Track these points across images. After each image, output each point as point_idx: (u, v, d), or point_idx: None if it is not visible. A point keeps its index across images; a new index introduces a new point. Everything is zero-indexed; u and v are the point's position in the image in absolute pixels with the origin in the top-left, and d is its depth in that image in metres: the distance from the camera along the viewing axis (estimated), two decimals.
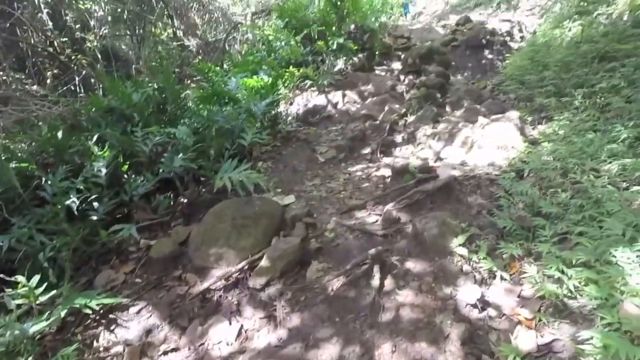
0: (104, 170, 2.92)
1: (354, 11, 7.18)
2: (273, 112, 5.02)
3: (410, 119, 4.80)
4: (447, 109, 4.94)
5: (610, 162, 2.40)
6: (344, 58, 6.45)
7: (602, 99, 3.32)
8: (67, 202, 2.67)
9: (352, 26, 7.29)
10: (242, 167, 3.00)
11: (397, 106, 5.14)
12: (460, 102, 4.98)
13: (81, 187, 2.81)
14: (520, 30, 7.83)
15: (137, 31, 9.93)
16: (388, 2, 10.37)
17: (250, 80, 5.13)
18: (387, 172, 3.57)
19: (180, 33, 10.81)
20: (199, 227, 2.79)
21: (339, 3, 6.93)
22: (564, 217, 2.23)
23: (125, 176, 3.24)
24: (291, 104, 6.01)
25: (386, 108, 5.13)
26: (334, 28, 6.63)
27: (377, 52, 7.00)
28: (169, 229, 3.11)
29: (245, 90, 4.88)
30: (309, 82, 5.94)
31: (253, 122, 4.17)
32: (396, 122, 4.80)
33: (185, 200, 3.56)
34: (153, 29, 10.53)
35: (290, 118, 5.62)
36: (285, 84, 5.89)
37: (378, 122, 4.92)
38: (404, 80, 5.86)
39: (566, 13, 6.22)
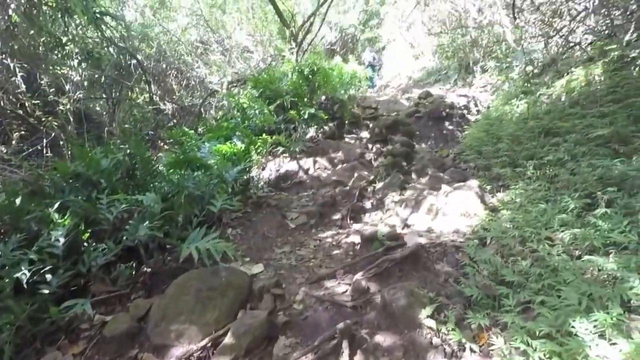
0: (62, 240, 2.78)
1: (324, 84, 7.72)
2: (245, 177, 5.09)
3: (379, 185, 4.98)
4: (413, 176, 5.19)
5: (562, 231, 2.55)
6: (315, 127, 6.78)
7: (551, 170, 3.61)
8: (17, 274, 2.49)
9: (323, 97, 7.79)
10: (211, 235, 2.95)
11: (366, 173, 5.34)
12: (425, 169, 5.25)
13: (34, 258, 2.65)
14: (476, 105, 8.61)
15: (113, 94, 10.13)
16: (356, 76, 11.25)
17: (223, 147, 5.25)
18: (357, 239, 3.60)
19: (156, 97, 11.10)
20: (161, 300, 2.65)
21: (310, 77, 7.45)
22: (525, 285, 2.29)
23: (85, 244, 3.10)
24: (263, 169, 6.13)
25: (355, 175, 5.32)
26: (305, 99, 7.04)
27: (346, 122, 7.43)
28: (129, 302, 2.92)
29: (217, 156, 4.97)
30: (281, 149, 6.13)
31: (224, 188, 4.19)
32: (365, 188, 4.96)
33: (149, 270, 3.40)
34: (130, 93, 10.79)
35: (262, 183, 5.69)
36: (258, 151, 6.05)
37: (348, 188, 5.07)
38: (371, 149, 6.17)
39: (513, 92, 6.96)
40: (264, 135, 5.96)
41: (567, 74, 5.80)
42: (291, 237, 3.99)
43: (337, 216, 4.47)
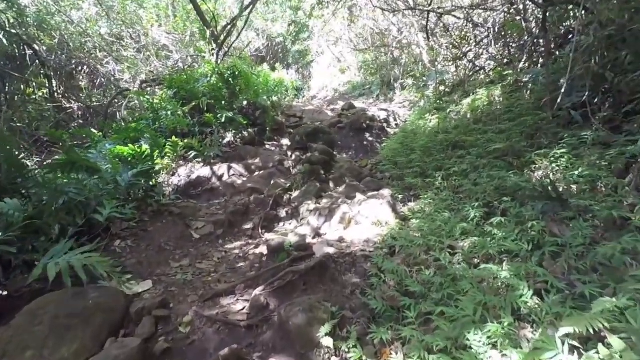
0: None
1: (246, 89, 7.40)
2: (150, 183, 4.55)
3: (295, 193, 4.78)
4: (331, 184, 5.09)
5: (463, 240, 2.57)
6: (234, 131, 6.41)
7: (456, 181, 3.74)
8: None
9: (245, 102, 7.45)
10: (82, 249, 2.45)
11: (283, 181, 5.12)
12: (343, 178, 5.20)
13: None
14: (395, 119, 8.96)
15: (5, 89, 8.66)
16: (283, 85, 11.12)
17: (124, 149, 4.64)
18: (266, 250, 3.33)
19: (59, 95, 9.78)
20: (3, 334, 2.08)
21: (231, 80, 7.08)
22: (427, 296, 2.23)
23: None
24: (173, 174, 5.57)
25: (272, 182, 5.07)
26: (223, 102, 6.64)
27: (268, 128, 7.17)
28: None
29: (114, 159, 4.36)
30: (193, 153, 5.65)
31: (114, 195, 3.64)
32: (281, 196, 4.72)
33: (5, 293, 2.75)
34: (24, 87, 9.34)
35: (169, 190, 5.15)
36: (167, 154, 5.50)
37: (263, 196, 4.78)
38: (291, 156, 5.99)
39: (428, 108, 7.36)
40: (173, 138, 5.43)
41: (473, 94, 6.26)
42: (193, 248, 3.58)
43: (248, 225, 4.15)
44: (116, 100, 9.04)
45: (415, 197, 4.24)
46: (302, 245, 3.04)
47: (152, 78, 9.17)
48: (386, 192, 4.12)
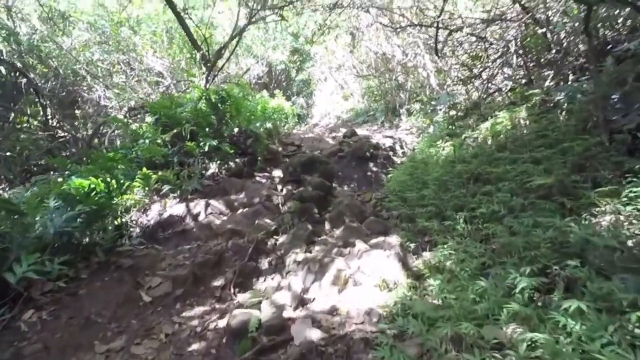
0: None
1: (237, 114, 6.70)
2: (107, 223, 3.74)
3: (282, 238, 3.91)
4: (327, 225, 4.22)
5: (515, 332, 1.66)
6: (219, 162, 5.63)
7: (485, 226, 2.85)
8: None
9: (236, 129, 6.74)
10: None
11: (268, 221, 4.26)
12: (341, 218, 4.33)
13: None
14: (402, 146, 8.17)
15: None
16: (282, 112, 10.48)
17: (83, 182, 3.88)
18: (227, 327, 2.43)
19: (54, 122, 9.28)
20: None
21: (219, 105, 6.40)
22: None
23: None
24: (145, 211, 4.76)
25: (256, 222, 4.21)
26: (208, 129, 5.91)
27: (259, 158, 6.39)
28: None
29: (60, 195, 3.56)
30: (167, 187, 4.85)
31: (39, 244, 2.81)
32: (265, 241, 3.85)
33: None
34: (13, 116, 8.84)
35: (137, 231, 4.33)
36: (138, 188, 4.72)
37: (243, 240, 3.92)
38: (281, 190, 5.15)
39: (439, 134, 6.55)
40: (144, 170, 4.65)
41: (491, 117, 5.46)
42: (137, 319, 2.69)
43: (218, 282, 3.26)
44: (102, 129, 8.42)
45: (431, 245, 3.34)
46: (276, 325, 2.15)
47: (140, 105, 8.56)
48: (394, 239, 3.24)
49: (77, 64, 9.45)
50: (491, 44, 6.24)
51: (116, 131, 8.53)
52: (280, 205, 4.72)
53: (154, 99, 8.65)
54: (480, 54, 7.06)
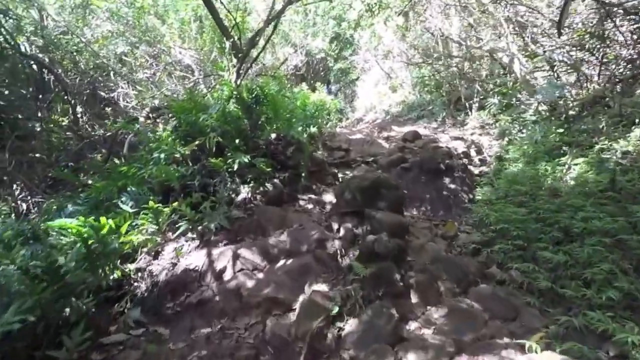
0: None
1: (274, 118, 5.32)
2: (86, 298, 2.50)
3: (350, 325, 2.49)
4: (413, 299, 2.75)
5: None
6: (252, 184, 4.28)
7: None
8: None
9: (273, 136, 5.36)
10: None
11: (325, 287, 2.85)
12: (434, 285, 2.85)
13: None
14: (479, 152, 6.48)
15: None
16: (324, 108, 8.98)
17: (71, 225, 2.70)
18: None
19: (83, 122, 8.48)
20: None
21: (253, 106, 5.04)
22: None
23: None
24: (156, 257, 3.51)
25: (308, 290, 2.83)
26: (238, 140, 4.55)
27: (303, 174, 4.98)
28: None
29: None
30: (183, 225, 3.56)
31: None
32: (323, 332, 2.45)
33: None
34: (46, 114, 8.06)
35: (138, 291, 3.09)
36: (145, 226, 3.47)
37: (289, 322, 2.54)
38: (338, 229, 3.70)
39: (543, 140, 4.82)
40: (152, 203, 3.37)
41: None
42: None
43: None
44: (120, 133, 7.38)
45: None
46: None
47: (165, 104, 7.42)
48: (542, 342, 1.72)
49: (99, 58, 8.45)
50: (630, 13, 4.40)
51: (136, 136, 7.48)
52: (339, 256, 3.29)
53: (179, 98, 7.47)
54: (596, 30, 5.17)
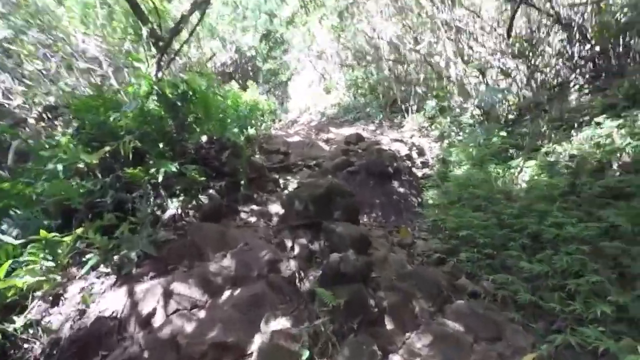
0: None
1: (205, 118, 4.61)
2: None
3: None
4: (388, 325, 2.36)
5: None
6: (182, 197, 3.56)
7: None
8: None
9: (205, 138, 4.64)
10: None
11: (287, 323, 2.31)
12: (409, 305, 2.50)
13: None
14: (420, 154, 6.46)
15: None
16: (258, 109, 8.35)
17: None
18: None
19: None
20: None
21: (178, 104, 4.28)
22: None
23: None
24: (54, 303, 2.64)
25: (265, 328, 2.27)
26: (161, 143, 3.79)
27: (243, 182, 4.36)
28: None
29: None
30: (93, 257, 2.75)
31: None
32: None
33: None
34: None
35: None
36: (25, 268, 2.57)
37: None
38: (292, 247, 3.20)
39: (487, 143, 4.85)
40: (44, 232, 2.52)
41: (582, 125, 3.85)
42: None
43: None
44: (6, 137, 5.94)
45: None
46: None
47: (64, 103, 6.14)
48: None
49: None
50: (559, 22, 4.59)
51: (29, 140, 6.09)
52: (297, 279, 2.77)
53: (82, 94, 6.25)
54: (532, 38, 5.39)
